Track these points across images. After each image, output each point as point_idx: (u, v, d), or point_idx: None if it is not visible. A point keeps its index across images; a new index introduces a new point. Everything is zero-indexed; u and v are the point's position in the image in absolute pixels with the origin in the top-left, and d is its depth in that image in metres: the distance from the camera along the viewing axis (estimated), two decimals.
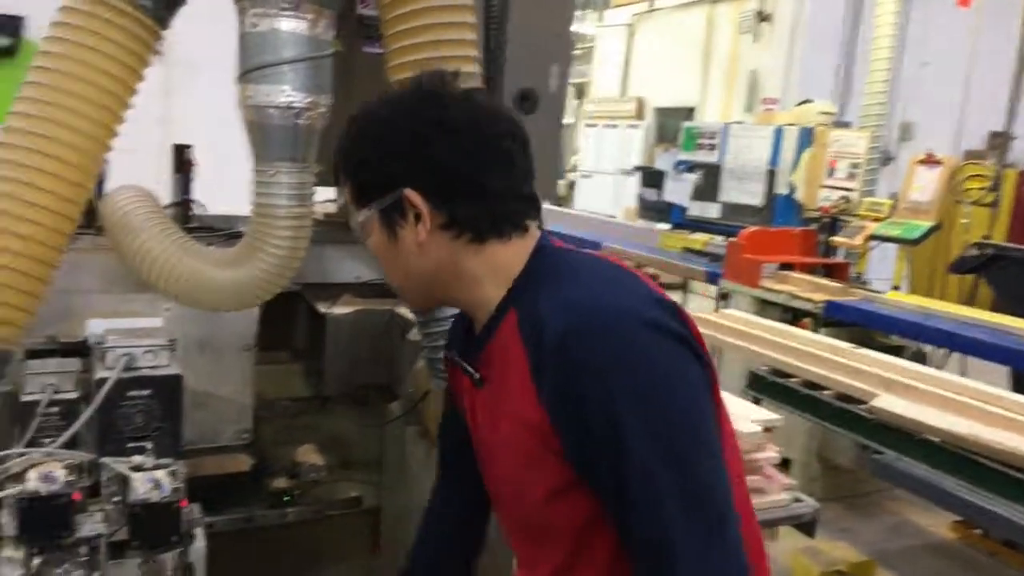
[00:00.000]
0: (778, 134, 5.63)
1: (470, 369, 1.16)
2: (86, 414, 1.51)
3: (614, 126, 10.46)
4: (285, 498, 2.38)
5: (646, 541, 0.98)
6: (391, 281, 1.21)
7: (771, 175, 5.66)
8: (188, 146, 2.33)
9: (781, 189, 5.58)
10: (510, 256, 1.11)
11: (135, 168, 2.17)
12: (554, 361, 1.00)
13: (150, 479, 1.43)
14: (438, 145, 1.05)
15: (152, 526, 1.39)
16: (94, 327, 1.80)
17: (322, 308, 2.24)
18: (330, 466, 2.37)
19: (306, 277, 2.14)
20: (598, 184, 10.40)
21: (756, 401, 3.28)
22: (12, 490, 1.35)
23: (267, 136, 1.67)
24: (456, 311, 1.27)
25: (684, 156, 6.33)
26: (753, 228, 4.98)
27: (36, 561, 1.36)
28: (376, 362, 2.35)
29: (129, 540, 1.40)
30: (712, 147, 6.11)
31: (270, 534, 2.51)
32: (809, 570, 3.34)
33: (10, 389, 1.64)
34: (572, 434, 1.01)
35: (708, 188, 6.09)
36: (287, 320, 2.63)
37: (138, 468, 1.48)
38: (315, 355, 2.37)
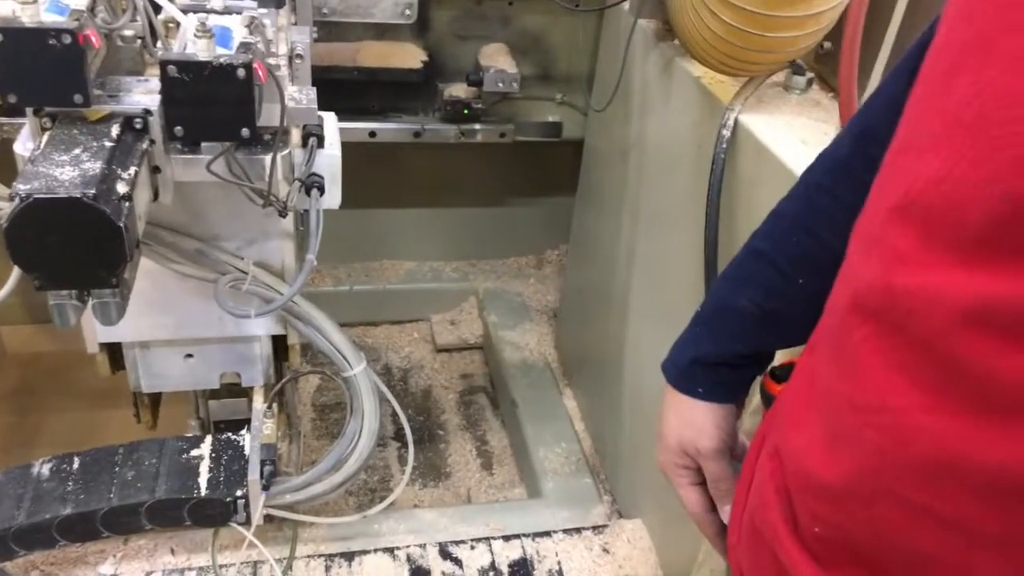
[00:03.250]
0: None
1: None
2: None
3: None
4: (465, 111, 1.92)
5: None
6: None
7: None
8: None
9: None
10: None
11: None
12: None
13: (208, 26, 0.83)
14: None
15: (201, 102, 0.82)
16: None
17: None
18: (524, 76, 1.84)
19: None
20: None
21: None
22: None
23: None
24: None
25: None
26: None
27: (44, 138, 0.85)
28: None
29: (169, 124, 0.84)
30: None
31: (443, 153, 2.02)
32: None
33: None
34: None
35: None
36: None
37: (195, 8, 0.88)
38: None
